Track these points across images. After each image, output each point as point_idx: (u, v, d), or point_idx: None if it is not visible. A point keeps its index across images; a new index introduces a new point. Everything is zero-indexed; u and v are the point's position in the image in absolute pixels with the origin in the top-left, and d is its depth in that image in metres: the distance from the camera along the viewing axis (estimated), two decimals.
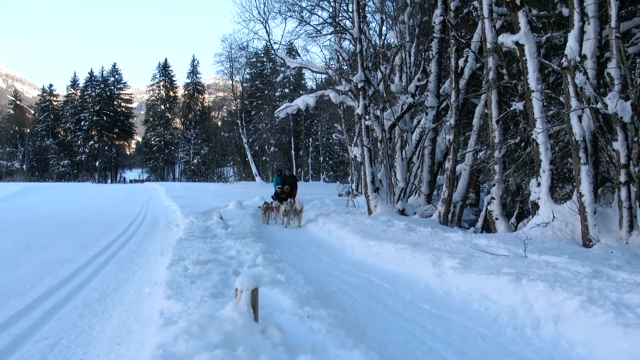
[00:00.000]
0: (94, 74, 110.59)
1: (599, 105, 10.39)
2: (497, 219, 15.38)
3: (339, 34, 23.73)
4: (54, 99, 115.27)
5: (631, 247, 10.16)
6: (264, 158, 79.03)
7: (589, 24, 11.02)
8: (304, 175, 78.80)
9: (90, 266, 10.62)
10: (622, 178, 10.42)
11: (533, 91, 12.49)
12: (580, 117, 11.22)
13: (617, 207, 10.73)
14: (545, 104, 13.00)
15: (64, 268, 10.23)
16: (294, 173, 22.99)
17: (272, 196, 22.75)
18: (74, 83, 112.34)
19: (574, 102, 11.15)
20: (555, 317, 6.14)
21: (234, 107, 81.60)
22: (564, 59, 11.17)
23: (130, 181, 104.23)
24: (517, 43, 12.82)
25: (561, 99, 12.54)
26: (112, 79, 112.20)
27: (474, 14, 18.71)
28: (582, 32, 11.11)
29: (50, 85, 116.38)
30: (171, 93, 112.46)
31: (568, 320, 5.97)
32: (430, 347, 5.82)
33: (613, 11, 10.36)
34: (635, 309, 5.79)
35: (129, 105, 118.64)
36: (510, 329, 6.27)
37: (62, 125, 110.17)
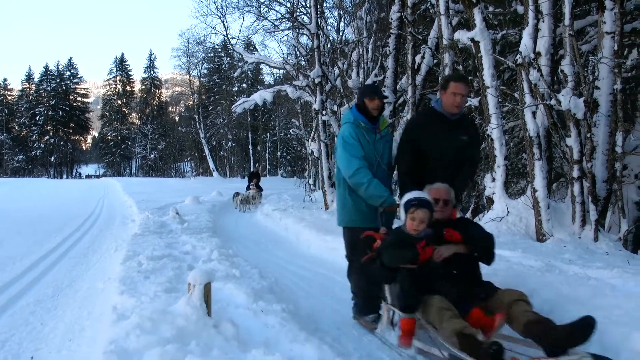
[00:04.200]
0: (50, 69, 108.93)
1: (553, 102, 10.52)
2: None
3: (297, 30, 23.72)
4: (8, 93, 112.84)
5: (583, 241, 10.31)
6: (221, 153, 78.69)
7: (543, 21, 11.17)
8: (261, 170, 78.64)
9: (44, 262, 10.42)
10: (575, 173, 10.56)
11: (488, 87, 12.59)
12: (534, 113, 11.36)
13: (570, 202, 10.90)
14: (500, 100, 13.13)
15: (17, 265, 10.01)
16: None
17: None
18: (29, 77, 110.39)
19: (528, 99, 11.28)
20: None
21: (191, 102, 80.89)
22: (518, 55, 11.28)
23: (87, 176, 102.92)
24: (472, 40, 12.92)
25: (516, 95, 12.67)
26: (68, 73, 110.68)
27: (431, 11, 18.82)
28: (536, 29, 11.25)
29: (5, 80, 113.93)
30: (128, 87, 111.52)
31: None
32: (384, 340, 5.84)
33: (567, 9, 10.50)
34: None
35: (85, 100, 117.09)
36: None
37: (17, 120, 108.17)
